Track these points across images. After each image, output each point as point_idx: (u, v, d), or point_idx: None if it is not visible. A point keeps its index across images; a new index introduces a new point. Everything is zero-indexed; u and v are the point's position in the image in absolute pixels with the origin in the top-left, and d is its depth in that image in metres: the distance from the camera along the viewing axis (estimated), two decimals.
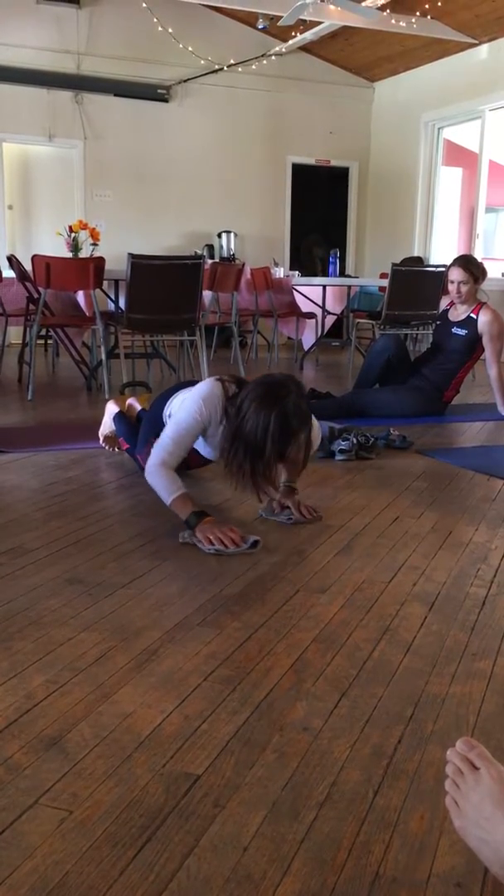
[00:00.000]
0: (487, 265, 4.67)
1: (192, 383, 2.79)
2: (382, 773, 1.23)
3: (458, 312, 4.53)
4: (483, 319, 4.40)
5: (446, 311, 4.65)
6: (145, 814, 1.13)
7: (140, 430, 2.91)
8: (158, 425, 2.61)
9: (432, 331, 4.96)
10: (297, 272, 8.39)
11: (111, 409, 3.24)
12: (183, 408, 2.42)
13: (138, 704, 1.41)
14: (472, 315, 4.44)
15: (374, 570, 2.12)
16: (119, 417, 3.15)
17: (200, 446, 2.56)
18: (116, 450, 3.35)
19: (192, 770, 1.23)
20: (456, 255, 4.68)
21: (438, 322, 4.72)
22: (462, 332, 4.46)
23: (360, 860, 1.04)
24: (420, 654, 1.64)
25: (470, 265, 4.44)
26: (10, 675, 1.51)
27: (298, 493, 2.59)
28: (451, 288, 4.46)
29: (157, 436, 2.46)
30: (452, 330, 4.51)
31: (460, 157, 9.75)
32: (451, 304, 4.59)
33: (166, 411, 2.67)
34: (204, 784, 1.20)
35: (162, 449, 2.38)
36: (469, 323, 4.45)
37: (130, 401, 3.27)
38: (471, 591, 1.99)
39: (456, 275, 4.41)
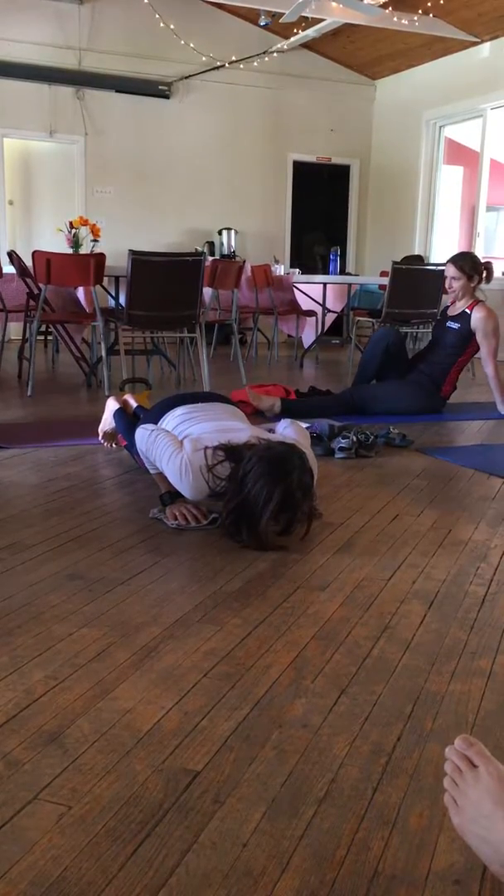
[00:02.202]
0: None
1: (195, 395, 2.80)
2: (381, 771, 1.24)
3: (455, 308, 4.58)
4: (476, 316, 4.43)
5: (447, 308, 4.70)
6: (144, 809, 1.13)
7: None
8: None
9: (431, 328, 4.99)
10: (297, 270, 8.38)
11: (111, 405, 3.24)
12: (168, 466, 2.39)
13: (138, 700, 1.42)
14: (467, 311, 4.49)
15: (374, 567, 2.12)
16: (119, 414, 3.16)
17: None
18: (115, 446, 3.36)
19: (191, 766, 1.23)
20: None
21: (438, 318, 4.78)
22: (455, 325, 4.51)
23: (359, 857, 1.05)
24: (419, 652, 1.64)
25: (463, 262, 4.47)
26: (9, 671, 1.51)
27: None
28: (446, 284, 4.52)
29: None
30: (447, 324, 4.57)
31: (461, 155, 9.74)
32: (453, 301, 4.62)
33: (164, 421, 2.69)
34: (203, 780, 1.20)
35: (151, 448, 2.48)
36: (462, 317, 4.49)
37: (127, 397, 3.28)
38: (470, 589, 2.00)
39: (448, 271, 4.50)
